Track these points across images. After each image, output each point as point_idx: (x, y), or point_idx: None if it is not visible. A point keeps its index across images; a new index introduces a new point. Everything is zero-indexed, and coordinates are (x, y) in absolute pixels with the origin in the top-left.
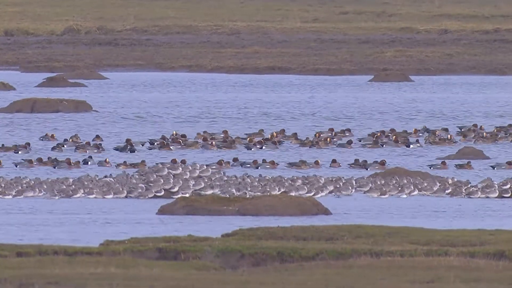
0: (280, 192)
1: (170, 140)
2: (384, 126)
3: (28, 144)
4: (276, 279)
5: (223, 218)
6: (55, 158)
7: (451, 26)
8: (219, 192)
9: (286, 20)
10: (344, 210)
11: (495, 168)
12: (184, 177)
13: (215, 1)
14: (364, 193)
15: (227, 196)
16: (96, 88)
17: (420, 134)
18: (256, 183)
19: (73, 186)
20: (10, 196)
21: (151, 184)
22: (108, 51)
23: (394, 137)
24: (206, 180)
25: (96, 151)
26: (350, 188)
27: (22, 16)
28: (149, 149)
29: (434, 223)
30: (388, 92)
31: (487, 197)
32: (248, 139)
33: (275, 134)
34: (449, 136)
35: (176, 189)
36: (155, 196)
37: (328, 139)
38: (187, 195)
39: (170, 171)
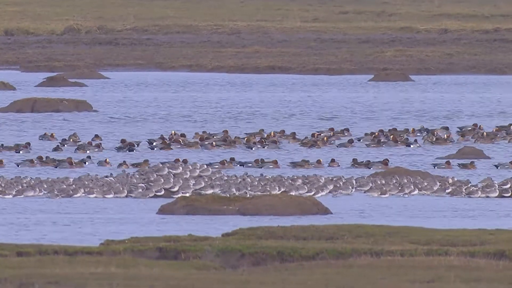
0: (280, 191)
1: (167, 140)
2: (383, 126)
3: (29, 144)
4: (276, 279)
5: (223, 217)
6: (53, 158)
7: (451, 26)
8: (219, 191)
9: (286, 19)
10: (344, 210)
11: (499, 168)
12: (184, 176)
13: (215, 0)
14: (365, 192)
15: (227, 195)
16: (96, 88)
17: (418, 134)
18: (256, 183)
19: (74, 186)
20: (10, 196)
21: (151, 184)
22: (108, 51)
23: (392, 136)
24: (206, 180)
25: (96, 150)
26: (350, 187)
27: (22, 16)
28: (151, 149)
29: (434, 223)
30: (388, 92)
31: (487, 196)
32: (245, 139)
33: (272, 133)
34: (445, 136)
35: (176, 188)
36: (155, 196)
37: (325, 138)
38: (187, 194)
39: (170, 170)
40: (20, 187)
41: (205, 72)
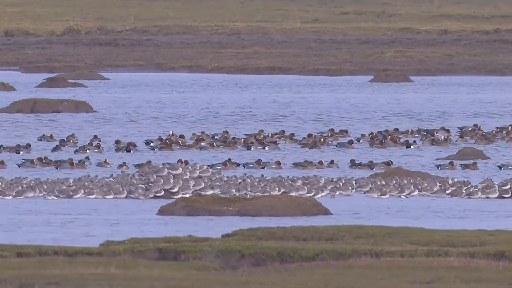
0: (280, 192)
1: (168, 141)
2: (383, 126)
3: (29, 144)
4: (276, 280)
5: (223, 218)
6: (55, 159)
7: (451, 27)
8: (219, 192)
9: (286, 20)
10: (344, 211)
11: (502, 169)
12: (184, 177)
13: (215, 1)
14: (364, 193)
15: (227, 196)
16: (96, 88)
17: (416, 135)
18: (256, 184)
19: (74, 187)
20: (10, 197)
21: (151, 185)
22: (108, 52)
23: (389, 137)
24: (206, 181)
25: (96, 151)
26: (350, 188)
27: (22, 17)
28: (152, 150)
29: (434, 224)
30: (388, 93)
31: (487, 197)
32: (242, 140)
33: (270, 134)
34: (443, 137)
35: (176, 189)
36: (155, 197)
37: (322, 139)
38: (187, 195)
39: (170, 171)
40: (20, 188)
41: (205, 72)
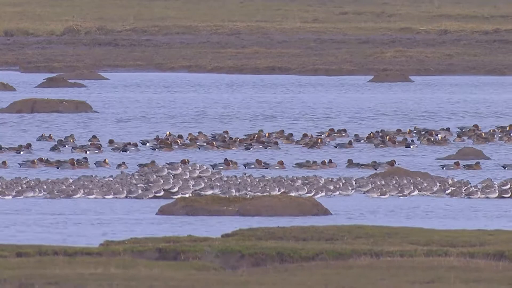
0: (280, 192)
1: (168, 141)
2: (382, 126)
3: (30, 144)
4: (276, 280)
5: (223, 218)
6: (57, 160)
7: (450, 27)
8: (219, 192)
9: (286, 20)
10: (344, 211)
11: (506, 168)
12: (184, 177)
13: (215, 1)
14: (364, 193)
15: (227, 196)
16: (96, 88)
17: (414, 135)
18: (256, 183)
19: (73, 187)
20: (10, 197)
21: (151, 185)
22: (107, 52)
23: (387, 137)
24: (206, 181)
25: (97, 151)
26: (349, 188)
27: (22, 16)
28: (153, 149)
29: (433, 224)
30: (387, 93)
31: (487, 197)
32: (238, 140)
33: (267, 134)
34: (439, 137)
35: (176, 189)
36: (155, 197)
37: (319, 139)
38: (187, 195)
39: (170, 171)
40: (20, 188)
41: (204, 72)
